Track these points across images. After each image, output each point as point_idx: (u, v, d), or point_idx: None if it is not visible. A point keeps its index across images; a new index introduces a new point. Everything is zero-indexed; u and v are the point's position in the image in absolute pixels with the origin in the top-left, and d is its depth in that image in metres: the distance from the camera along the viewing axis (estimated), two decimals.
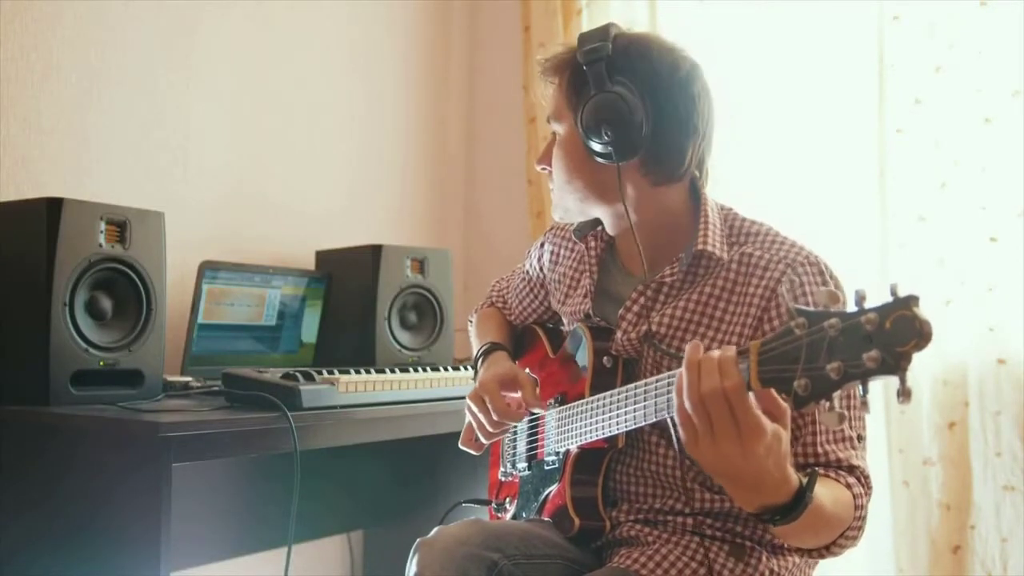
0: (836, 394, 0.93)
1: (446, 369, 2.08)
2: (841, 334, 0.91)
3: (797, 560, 1.38)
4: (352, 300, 2.36)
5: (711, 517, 1.37)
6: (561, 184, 1.44)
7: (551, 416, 1.49)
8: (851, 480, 1.25)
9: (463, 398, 1.53)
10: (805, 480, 1.11)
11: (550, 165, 1.45)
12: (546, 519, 1.46)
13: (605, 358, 1.42)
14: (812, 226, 2.30)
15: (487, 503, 1.69)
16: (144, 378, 1.78)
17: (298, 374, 1.77)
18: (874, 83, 2.38)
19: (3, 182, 1.99)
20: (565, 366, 1.51)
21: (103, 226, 1.72)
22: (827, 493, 1.16)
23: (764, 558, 1.35)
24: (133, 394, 1.75)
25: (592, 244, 1.52)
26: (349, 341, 2.36)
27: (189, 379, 1.98)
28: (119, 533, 1.51)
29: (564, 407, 1.45)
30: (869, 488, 1.27)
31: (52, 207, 1.66)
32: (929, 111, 2.32)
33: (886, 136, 2.37)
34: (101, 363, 1.72)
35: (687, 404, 1.05)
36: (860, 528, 1.25)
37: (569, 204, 1.46)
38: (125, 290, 1.76)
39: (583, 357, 1.44)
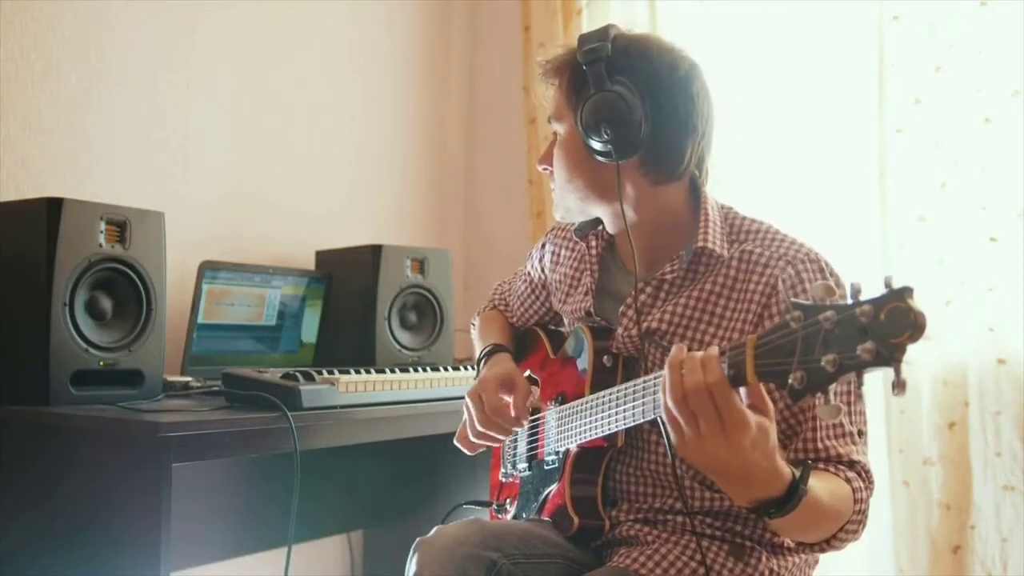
0: (832, 387, 0.93)
1: (446, 369, 2.08)
2: (836, 326, 0.92)
3: (797, 560, 1.38)
4: (352, 300, 2.36)
5: (710, 516, 1.37)
6: (562, 183, 1.44)
7: (551, 416, 1.49)
8: (851, 475, 1.25)
9: (463, 398, 1.53)
10: (798, 473, 1.11)
11: (551, 165, 1.46)
12: (546, 519, 1.47)
13: (605, 357, 1.42)
14: (812, 226, 2.29)
15: (487, 505, 1.69)
16: (144, 378, 1.78)
17: (298, 374, 1.77)
18: (874, 83, 2.38)
19: (3, 182, 1.99)
20: (565, 366, 1.51)
21: (103, 226, 1.72)
22: (823, 486, 1.17)
23: (764, 558, 1.35)
24: (133, 394, 1.75)
25: (593, 243, 1.52)
26: (349, 341, 2.36)
27: (189, 379, 1.98)
28: (119, 533, 1.50)
29: (564, 407, 1.45)
30: (870, 482, 1.27)
31: (52, 207, 1.66)
32: (929, 111, 2.32)
33: (886, 136, 2.37)
34: (101, 363, 1.71)
35: (670, 402, 1.06)
36: (861, 522, 1.25)
37: (570, 203, 1.46)
38: (125, 290, 1.76)
39: (583, 357, 1.44)
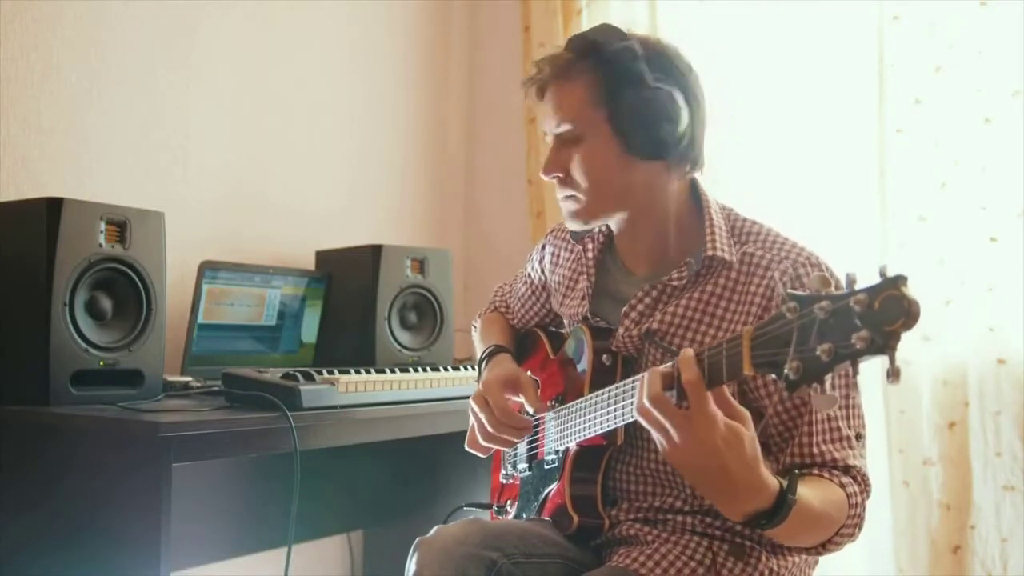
0: (828, 376, 0.93)
1: (446, 369, 2.08)
2: (831, 316, 0.92)
3: (797, 560, 1.38)
4: (352, 300, 2.36)
5: (711, 516, 1.37)
6: (592, 188, 1.38)
7: (551, 416, 1.49)
8: (845, 480, 1.25)
9: (463, 398, 1.53)
10: (785, 483, 1.12)
11: (562, 171, 1.40)
12: (546, 519, 1.47)
13: (604, 356, 1.42)
14: (812, 226, 2.30)
15: (488, 507, 1.69)
16: (144, 378, 1.78)
17: (298, 374, 1.77)
18: (874, 83, 2.38)
19: (3, 182, 1.99)
20: (565, 366, 1.51)
21: (103, 226, 1.72)
22: (815, 494, 1.17)
23: (764, 557, 1.35)
24: (133, 394, 1.75)
25: (589, 246, 1.52)
26: (349, 341, 2.36)
27: (189, 379, 1.98)
28: (119, 533, 1.50)
29: (563, 406, 1.45)
30: (866, 487, 1.27)
31: (52, 207, 1.66)
32: (929, 111, 2.32)
33: (886, 136, 2.37)
34: (101, 363, 1.71)
35: (646, 402, 1.09)
36: (857, 526, 1.25)
37: (601, 208, 1.40)
38: (125, 290, 1.76)
39: (583, 357, 1.44)
